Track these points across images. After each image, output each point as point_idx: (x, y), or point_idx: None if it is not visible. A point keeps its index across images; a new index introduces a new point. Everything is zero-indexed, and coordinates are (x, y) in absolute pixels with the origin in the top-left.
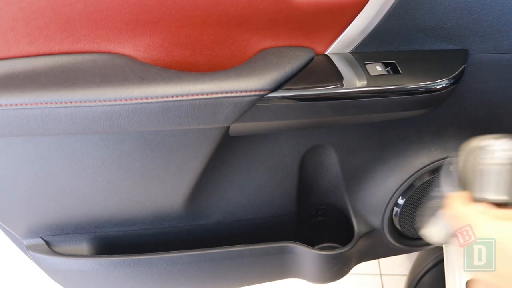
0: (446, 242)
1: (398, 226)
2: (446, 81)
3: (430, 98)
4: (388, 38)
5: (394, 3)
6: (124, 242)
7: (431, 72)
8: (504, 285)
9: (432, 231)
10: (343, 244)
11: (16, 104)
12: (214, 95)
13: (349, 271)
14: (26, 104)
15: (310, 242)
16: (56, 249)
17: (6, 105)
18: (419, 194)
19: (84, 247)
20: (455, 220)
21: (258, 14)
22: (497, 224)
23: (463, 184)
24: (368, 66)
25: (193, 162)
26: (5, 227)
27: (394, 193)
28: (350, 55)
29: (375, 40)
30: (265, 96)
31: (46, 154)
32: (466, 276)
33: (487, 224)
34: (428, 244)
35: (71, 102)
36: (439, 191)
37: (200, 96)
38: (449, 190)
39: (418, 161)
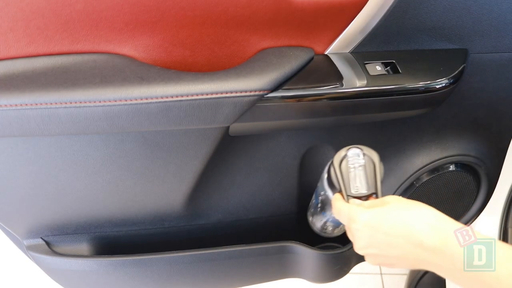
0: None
1: None
2: (446, 81)
3: (430, 98)
4: (388, 37)
5: (393, 2)
6: (124, 242)
7: (431, 71)
8: (382, 252)
9: (325, 227)
10: (343, 243)
11: (16, 105)
12: (214, 95)
13: (349, 270)
14: (26, 104)
15: (310, 242)
16: (56, 249)
17: (6, 105)
18: (419, 193)
19: (84, 247)
20: (340, 216)
21: (257, 14)
22: (370, 211)
23: (339, 186)
24: (367, 66)
25: (193, 162)
26: (5, 227)
27: (394, 192)
28: (350, 54)
29: (374, 40)
30: (265, 96)
31: (46, 154)
32: None
33: (363, 213)
34: None
35: (71, 103)
36: (323, 195)
37: (200, 96)
38: (330, 192)
39: (418, 160)
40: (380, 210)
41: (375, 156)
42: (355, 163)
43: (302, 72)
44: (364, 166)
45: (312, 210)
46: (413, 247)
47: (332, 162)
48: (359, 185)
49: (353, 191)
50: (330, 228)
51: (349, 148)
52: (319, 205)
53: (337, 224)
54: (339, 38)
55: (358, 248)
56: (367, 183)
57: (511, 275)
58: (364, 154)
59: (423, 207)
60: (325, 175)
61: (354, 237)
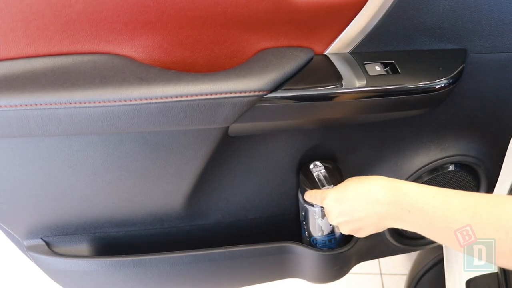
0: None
1: None
2: (445, 81)
3: (429, 98)
4: (387, 38)
5: (393, 3)
6: (124, 243)
7: (430, 71)
8: (350, 217)
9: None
10: (343, 243)
11: (16, 105)
12: (214, 96)
13: (349, 270)
14: (26, 105)
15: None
16: (56, 249)
17: (6, 106)
18: None
19: (84, 247)
20: (315, 200)
21: (257, 14)
22: (335, 188)
23: (312, 188)
24: (367, 66)
25: (193, 162)
26: (5, 227)
27: None
28: (349, 55)
29: (374, 40)
30: (265, 96)
31: (46, 155)
32: (466, 276)
33: (331, 191)
34: (428, 243)
35: (70, 103)
36: (304, 216)
37: (200, 97)
38: (307, 203)
39: (418, 160)
40: (343, 185)
41: (332, 162)
42: (317, 170)
43: (301, 73)
44: (325, 171)
45: (306, 238)
46: (373, 206)
47: (300, 179)
48: (324, 184)
49: (322, 188)
50: (329, 239)
51: (310, 163)
52: (307, 231)
53: (329, 234)
54: (339, 38)
55: (332, 219)
56: (331, 181)
57: (443, 204)
58: (322, 163)
59: (376, 176)
60: (300, 195)
61: (327, 212)
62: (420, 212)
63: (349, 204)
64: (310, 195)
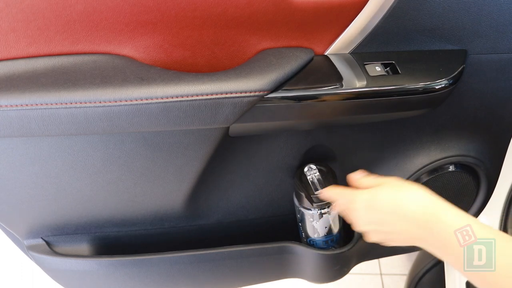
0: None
1: None
2: (445, 81)
3: (429, 98)
4: (387, 38)
5: (393, 3)
6: (125, 243)
7: (430, 72)
8: (379, 228)
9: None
10: (343, 244)
11: (16, 105)
12: (214, 96)
13: (349, 270)
14: (27, 105)
15: None
16: (57, 249)
17: (6, 106)
18: None
19: (84, 247)
20: (341, 199)
21: (257, 15)
22: (365, 193)
23: (304, 192)
24: (367, 67)
25: (193, 163)
26: (5, 227)
27: None
28: (350, 55)
29: (374, 41)
30: (265, 96)
31: (47, 155)
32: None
33: (360, 195)
34: None
35: (71, 103)
36: (300, 219)
37: (200, 97)
38: (302, 208)
39: (418, 161)
40: (374, 191)
41: (326, 165)
42: (311, 173)
43: (302, 73)
44: (319, 174)
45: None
46: (407, 225)
47: (294, 182)
48: (318, 187)
49: (316, 193)
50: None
51: (303, 166)
52: (304, 233)
53: (325, 235)
54: (339, 39)
55: (358, 226)
56: (324, 184)
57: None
58: (316, 166)
59: (414, 187)
60: (295, 200)
61: (354, 217)
62: (456, 253)
63: (379, 215)
64: (336, 193)
